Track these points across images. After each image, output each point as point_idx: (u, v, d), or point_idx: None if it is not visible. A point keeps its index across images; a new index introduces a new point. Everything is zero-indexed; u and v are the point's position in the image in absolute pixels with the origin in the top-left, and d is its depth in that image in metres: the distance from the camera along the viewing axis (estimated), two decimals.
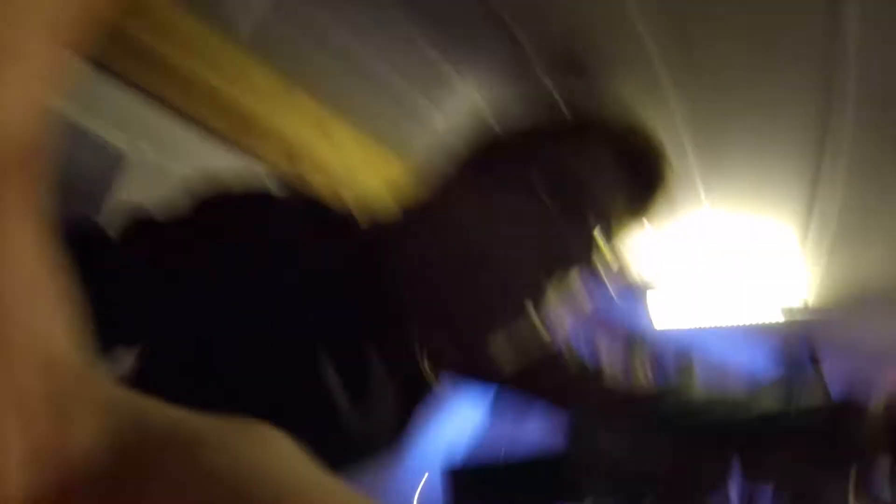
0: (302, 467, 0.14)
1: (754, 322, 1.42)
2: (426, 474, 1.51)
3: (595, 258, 0.46)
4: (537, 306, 0.44)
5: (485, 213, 0.44)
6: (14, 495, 0.11)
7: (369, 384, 0.47)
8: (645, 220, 0.49)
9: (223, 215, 0.43)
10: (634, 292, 1.52)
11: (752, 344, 1.54)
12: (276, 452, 0.13)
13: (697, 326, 1.53)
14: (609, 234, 0.46)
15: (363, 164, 1.35)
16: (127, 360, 0.47)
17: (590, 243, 0.44)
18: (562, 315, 0.49)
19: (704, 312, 1.48)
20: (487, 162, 0.47)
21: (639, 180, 0.47)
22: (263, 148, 1.19)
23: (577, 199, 0.44)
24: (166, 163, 1.05)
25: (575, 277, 0.45)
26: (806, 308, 1.26)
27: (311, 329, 0.44)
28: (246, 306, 0.42)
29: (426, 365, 0.48)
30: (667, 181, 0.48)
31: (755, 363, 1.57)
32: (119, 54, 0.96)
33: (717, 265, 1.28)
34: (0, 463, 0.11)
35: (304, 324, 0.43)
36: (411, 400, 0.53)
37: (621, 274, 0.50)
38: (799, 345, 1.57)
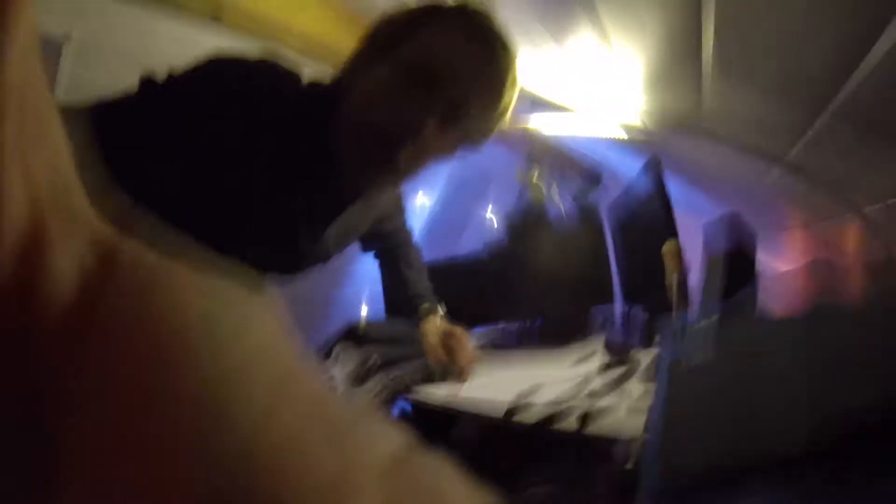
0: (267, 339, 0.13)
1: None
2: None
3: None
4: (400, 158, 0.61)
5: (373, 86, 0.60)
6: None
7: (320, 205, 0.67)
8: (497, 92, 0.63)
9: (197, 82, 0.57)
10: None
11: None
12: (254, 320, 0.13)
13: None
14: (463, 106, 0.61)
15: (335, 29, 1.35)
16: None
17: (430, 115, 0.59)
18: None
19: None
20: (374, 45, 0.62)
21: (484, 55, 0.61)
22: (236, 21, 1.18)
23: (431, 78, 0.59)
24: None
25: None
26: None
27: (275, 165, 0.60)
28: (218, 153, 0.56)
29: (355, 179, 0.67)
30: (510, 56, 0.63)
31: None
32: None
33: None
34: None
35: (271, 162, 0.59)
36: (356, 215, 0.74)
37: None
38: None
